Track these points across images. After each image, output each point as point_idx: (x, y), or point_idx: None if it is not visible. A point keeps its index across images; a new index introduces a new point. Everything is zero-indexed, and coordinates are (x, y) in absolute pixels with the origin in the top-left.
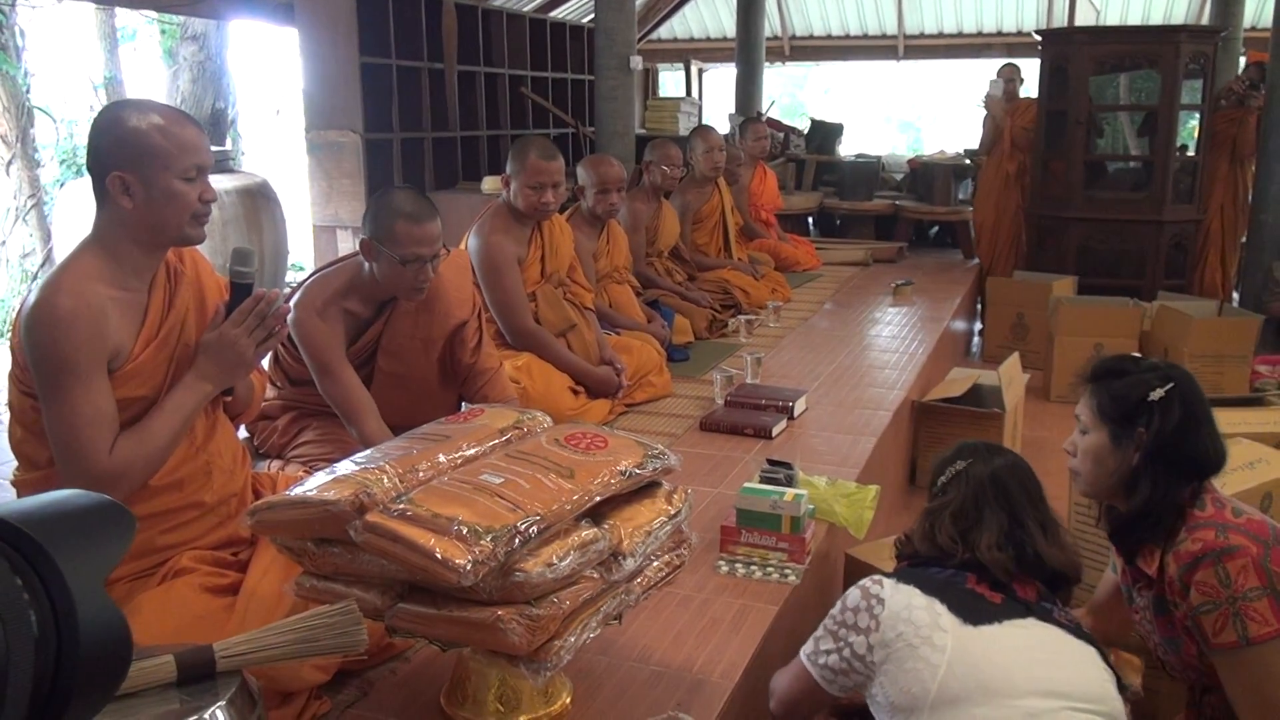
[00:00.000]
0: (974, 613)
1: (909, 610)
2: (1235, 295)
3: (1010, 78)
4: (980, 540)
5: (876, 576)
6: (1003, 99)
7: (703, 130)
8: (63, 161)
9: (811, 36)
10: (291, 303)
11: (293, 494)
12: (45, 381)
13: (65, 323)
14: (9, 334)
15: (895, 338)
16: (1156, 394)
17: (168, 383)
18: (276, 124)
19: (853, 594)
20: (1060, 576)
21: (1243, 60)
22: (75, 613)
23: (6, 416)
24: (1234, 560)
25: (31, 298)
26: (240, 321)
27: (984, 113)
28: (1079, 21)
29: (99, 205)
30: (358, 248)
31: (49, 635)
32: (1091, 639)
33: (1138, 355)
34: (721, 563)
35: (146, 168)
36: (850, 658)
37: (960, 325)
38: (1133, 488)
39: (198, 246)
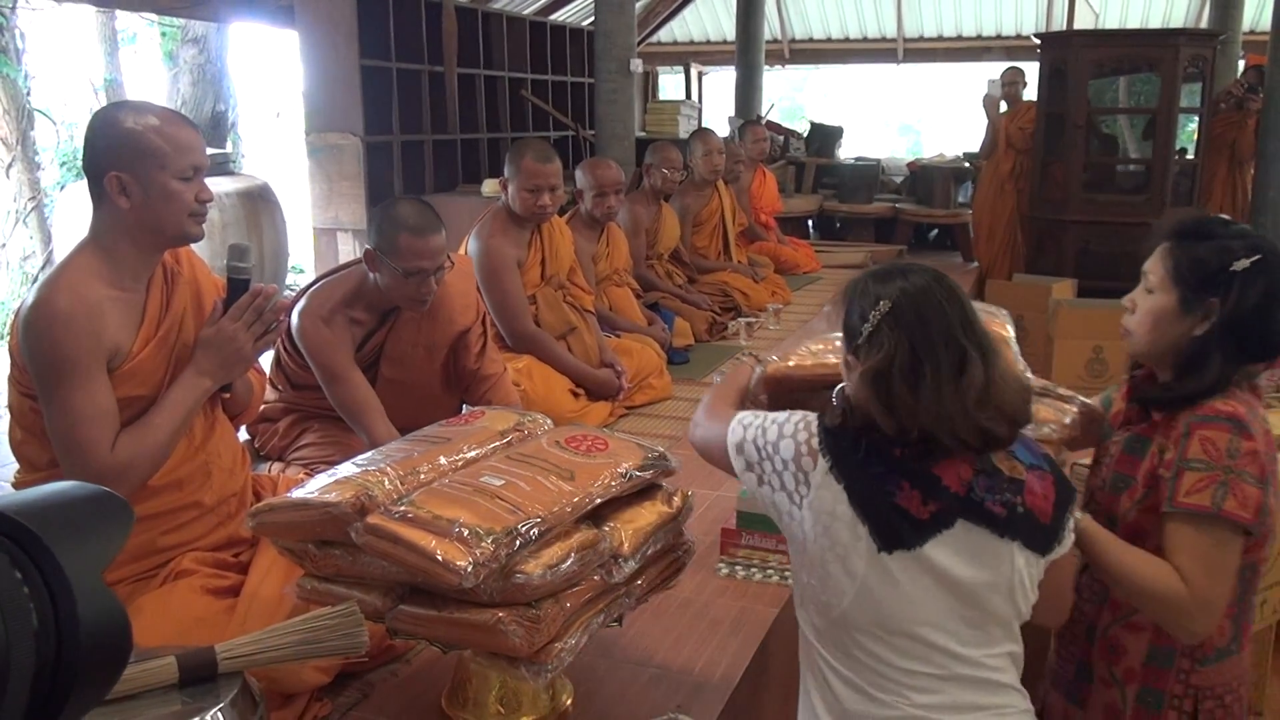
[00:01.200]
0: (893, 536)
1: (832, 519)
2: None
3: (1012, 81)
4: (923, 405)
5: (814, 443)
6: (1001, 100)
7: (702, 133)
8: (63, 164)
9: (811, 39)
10: (295, 311)
11: (294, 496)
12: (44, 381)
13: (63, 322)
14: (8, 336)
15: None
16: (1241, 264)
17: (167, 382)
18: (277, 127)
19: (787, 446)
20: (980, 438)
21: (1241, 64)
22: (75, 605)
23: (7, 419)
24: (1250, 441)
25: (29, 298)
26: (238, 316)
27: (984, 98)
28: (1078, 24)
29: (96, 206)
30: (361, 256)
31: (49, 628)
32: (1019, 526)
33: (1227, 218)
34: (722, 565)
35: (143, 168)
36: (772, 501)
37: None
38: (1195, 362)
39: (194, 247)
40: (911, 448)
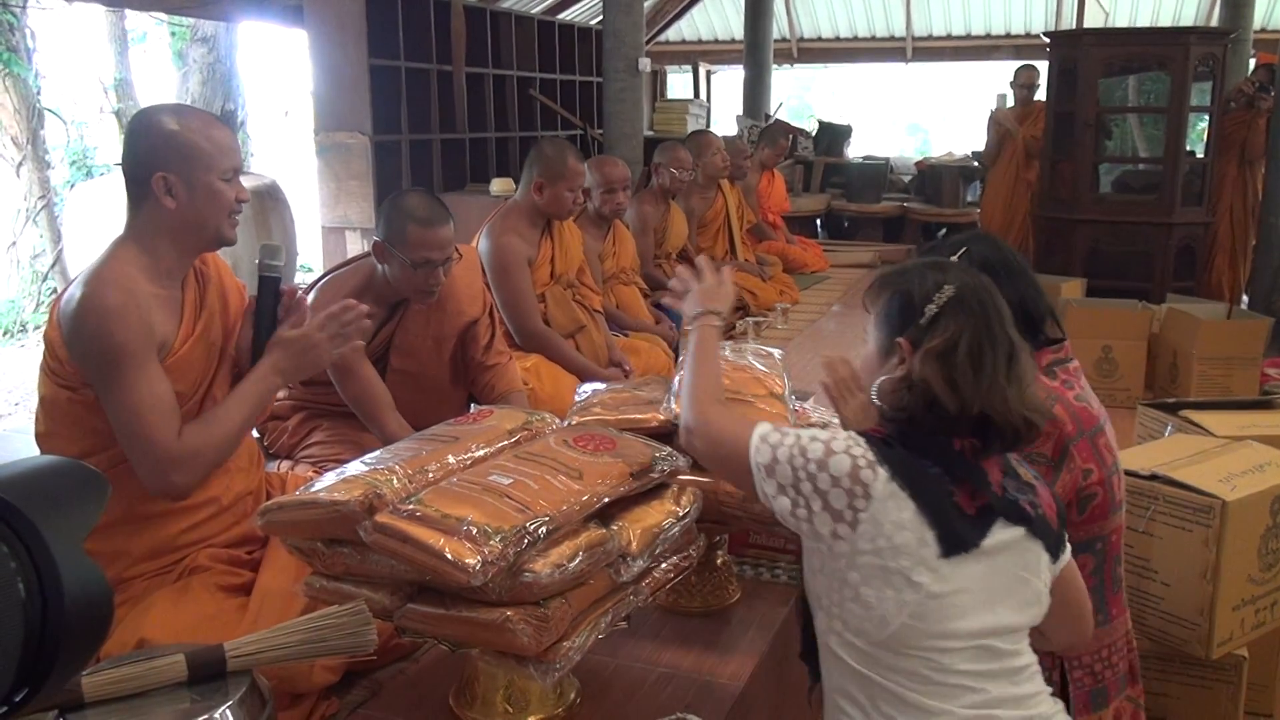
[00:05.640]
0: (955, 540)
1: (897, 528)
2: (1245, 298)
3: (1028, 82)
4: (984, 388)
5: (870, 456)
6: (1017, 105)
7: (702, 135)
8: (73, 163)
9: (820, 38)
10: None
11: (302, 494)
12: (103, 372)
13: (116, 313)
14: (47, 329)
15: None
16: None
17: (205, 378)
18: (285, 126)
19: (840, 461)
20: (1025, 427)
21: (1252, 62)
22: (59, 575)
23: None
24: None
25: (75, 292)
26: (324, 325)
27: (989, 116)
28: (1088, 23)
29: (136, 206)
30: (370, 249)
31: (34, 598)
32: (1042, 527)
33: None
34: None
35: (190, 168)
36: (807, 528)
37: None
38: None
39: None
40: (968, 438)
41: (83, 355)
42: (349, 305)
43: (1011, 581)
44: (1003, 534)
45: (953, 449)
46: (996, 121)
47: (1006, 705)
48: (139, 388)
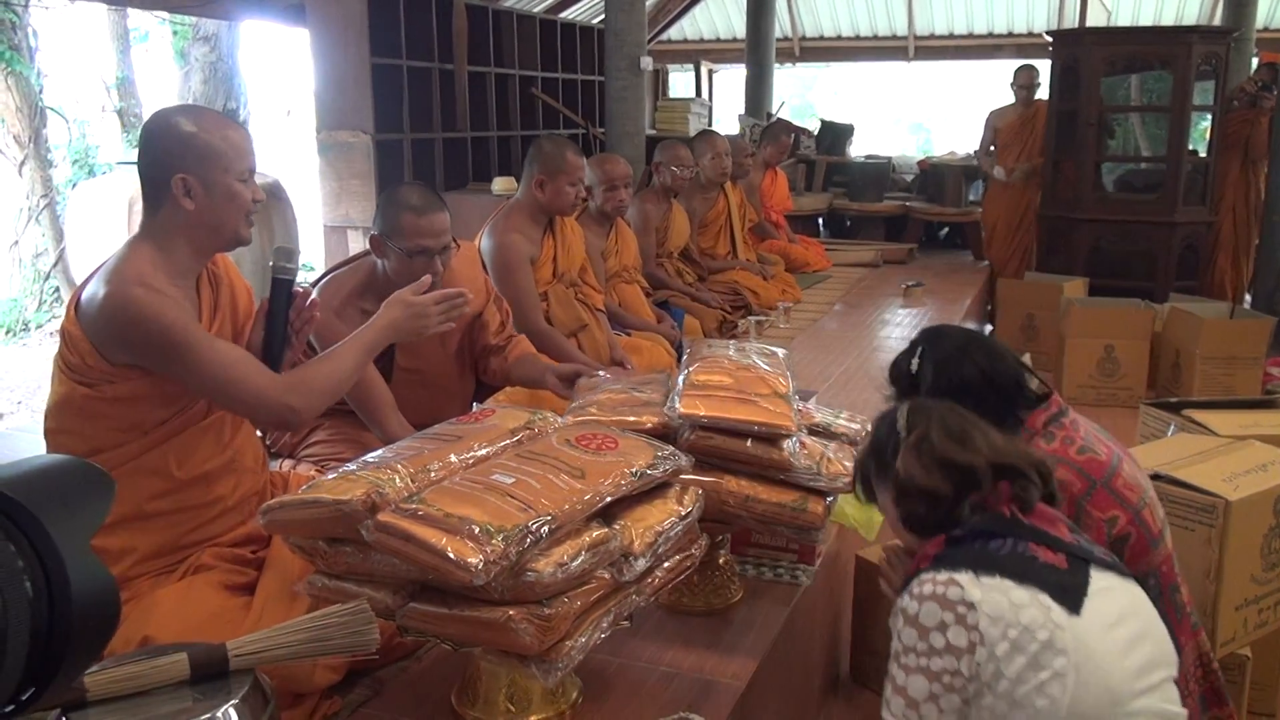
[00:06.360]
0: (1068, 590)
1: (1015, 611)
2: (1247, 297)
3: (1028, 83)
4: (985, 441)
5: (941, 576)
6: (1017, 105)
7: (708, 136)
8: (75, 162)
9: (822, 37)
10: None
11: (305, 493)
12: (169, 354)
13: (154, 302)
14: (70, 328)
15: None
16: (913, 364)
17: None
18: (287, 124)
19: (927, 609)
20: (1044, 465)
21: (1255, 61)
22: (66, 573)
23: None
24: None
25: (99, 290)
26: (440, 301)
27: (986, 118)
28: (1090, 22)
29: (153, 208)
30: (368, 245)
31: (42, 596)
32: (1122, 565)
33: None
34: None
35: (208, 170)
36: (961, 686)
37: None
38: None
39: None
40: (1007, 503)
41: (140, 349)
42: (460, 292)
43: (1139, 629)
44: (1102, 580)
45: (1004, 515)
46: (1011, 181)
47: None
48: (212, 350)
